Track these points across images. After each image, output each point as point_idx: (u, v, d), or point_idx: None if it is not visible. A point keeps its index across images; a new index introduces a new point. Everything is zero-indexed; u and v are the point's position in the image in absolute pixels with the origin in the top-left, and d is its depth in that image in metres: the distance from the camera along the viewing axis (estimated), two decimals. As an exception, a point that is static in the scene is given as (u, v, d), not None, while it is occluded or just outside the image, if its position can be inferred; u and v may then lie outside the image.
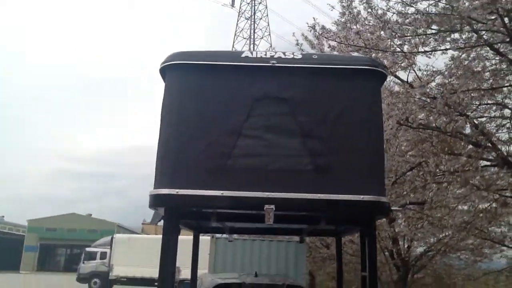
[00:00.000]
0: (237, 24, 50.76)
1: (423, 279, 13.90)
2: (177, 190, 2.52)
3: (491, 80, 6.52)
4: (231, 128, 2.63)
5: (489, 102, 7.55)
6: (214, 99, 2.70)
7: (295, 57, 2.78)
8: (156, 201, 2.59)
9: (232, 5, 51.83)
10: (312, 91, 2.71)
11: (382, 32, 5.79)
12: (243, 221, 3.08)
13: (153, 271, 16.42)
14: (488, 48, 6.25)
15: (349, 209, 2.56)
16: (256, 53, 2.78)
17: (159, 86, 2.84)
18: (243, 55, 2.77)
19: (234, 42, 49.15)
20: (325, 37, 6.38)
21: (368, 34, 5.77)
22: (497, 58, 6.66)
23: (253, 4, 51.05)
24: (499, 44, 5.97)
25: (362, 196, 2.51)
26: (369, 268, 2.71)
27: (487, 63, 6.78)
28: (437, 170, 6.42)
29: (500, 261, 11.92)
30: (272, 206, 2.48)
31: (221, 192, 2.51)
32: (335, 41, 6.15)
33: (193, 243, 3.95)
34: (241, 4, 51.56)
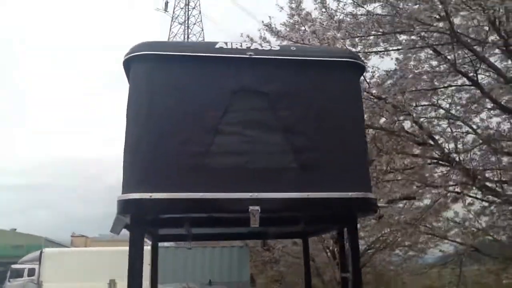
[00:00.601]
0: (170, 29, 49.89)
1: (364, 277, 14.31)
2: (150, 194, 2.25)
3: (434, 81, 6.79)
4: (206, 125, 2.41)
5: (426, 103, 7.89)
6: (187, 94, 2.46)
7: (272, 48, 2.62)
8: (126, 207, 2.30)
9: (165, 9, 50.88)
10: (292, 84, 2.55)
11: (336, 32, 5.82)
12: (212, 226, 2.86)
13: (89, 286, 15.48)
14: (430, 51, 6.50)
15: (337, 207, 2.43)
16: (231, 44, 2.58)
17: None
18: (217, 46, 2.55)
19: (167, 47, 48.15)
20: (281, 37, 6.31)
21: (324, 34, 5.78)
22: (437, 61, 6.96)
23: (187, 10, 50.48)
24: (441, 46, 6.21)
25: (350, 193, 2.39)
26: (352, 268, 2.59)
27: (427, 65, 7.08)
28: (388, 168, 6.56)
29: (435, 254, 12.55)
30: (258, 208, 2.29)
31: (201, 194, 2.28)
32: (291, 40, 6.10)
33: (152, 254, 3.64)
34: (174, 9, 50.77)
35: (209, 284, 5.51)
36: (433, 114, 8.19)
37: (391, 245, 12.18)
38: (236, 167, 2.38)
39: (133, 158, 2.36)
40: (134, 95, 2.47)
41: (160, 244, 3.74)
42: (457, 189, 6.80)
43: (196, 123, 2.41)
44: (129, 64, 2.52)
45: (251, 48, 2.56)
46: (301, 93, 2.55)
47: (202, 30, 49.98)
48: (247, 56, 2.52)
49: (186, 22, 50.49)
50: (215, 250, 15.36)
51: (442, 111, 7.93)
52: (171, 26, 50.13)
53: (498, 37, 5.82)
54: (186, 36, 49.23)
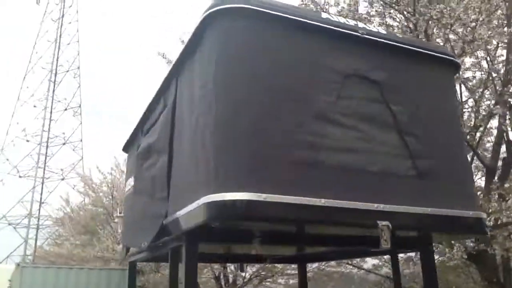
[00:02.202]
0: (41, 24, 45.17)
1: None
2: (264, 195, 1.60)
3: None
4: (317, 110, 1.85)
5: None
6: (292, 69, 1.87)
7: (380, 31, 2.18)
8: (225, 210, 1.60)
9: (37, 2, 46.01)
10: (401, 75, 2.14)
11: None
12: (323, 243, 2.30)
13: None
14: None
15: (459, 227, 2.03)
16: (338, 18, 2.07)
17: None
18: (323, 16, 2.03)
19: (35, 44, 43.46)
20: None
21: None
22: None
23: (63, 6, 46.37)
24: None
25: (470, 212, 2.03)
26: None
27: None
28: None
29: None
30: (387, 223, 1.79)
31: (323, 200, 1.70)
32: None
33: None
34: (48, 3, 46.22)
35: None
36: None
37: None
38: (355, 169, 1.85)
39: (226, 147, 1.68)
40: (221, 63, 1.79)
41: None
42: None
43: (304, 107, 1.83)
44: (212, 21, 1.84)
45: (359, 26, 2.09)
46: (409, 86, 2.14)
47: (78, 31, 46.28)
48: (359, 34, 2.04)
49: (61, 19, 46.32)
50: (92, 272, 13.71)
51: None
52: (42, 21, 45.46)
53: None
54: (59, 35, 45.04)
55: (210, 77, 1.79)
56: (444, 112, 2.22)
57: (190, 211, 1.72)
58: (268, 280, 12.46)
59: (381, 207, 1.81)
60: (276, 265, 10.01)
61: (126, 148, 3.50)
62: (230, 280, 12.19)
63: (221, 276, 12.04)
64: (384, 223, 1.77)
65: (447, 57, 2.32)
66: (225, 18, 1.82)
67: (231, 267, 10.67)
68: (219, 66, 1.78)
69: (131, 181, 3.11)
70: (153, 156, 2.38)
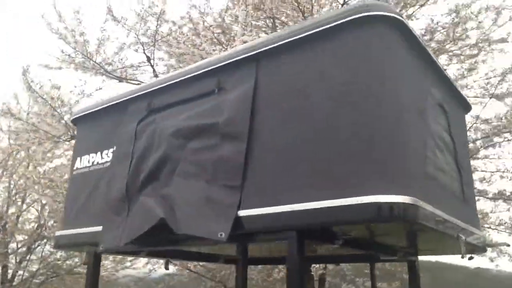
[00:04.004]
0: None
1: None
2: (421, 202, 1.64)
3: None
4: (432, 132, 2.01)
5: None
6: (415, 90, 1.97)
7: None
8: (391, 212, 1.57)
9: None
10: (453, 107, 2.43)
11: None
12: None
13: None
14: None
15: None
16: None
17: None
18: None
19: None
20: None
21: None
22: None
23: None
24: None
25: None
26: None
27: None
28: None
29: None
30: (464, 238, 2.01)
31: (439, 212, 1.82)
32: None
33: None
34: None
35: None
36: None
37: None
38: (443, 185, 2.04)
39: (390, 149, 1.67)
40: (374, 69, 1.77)
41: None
42: None
43: (425, 127, 1.97)
44: (370, 23, 1.80)
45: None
46: (455, 118, 2.44)
47: None
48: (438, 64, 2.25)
49: None
50: None
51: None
52: None
53: None
54: None
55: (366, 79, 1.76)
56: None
57: (340, 206, 1.63)
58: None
59: (460, 223, 2.04)
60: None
61: (87, 118, 2.99)
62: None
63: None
64: (462, 237, 1.99)
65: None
66: (381, 25, 1.81)
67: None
68: (358, 72, 1.79)
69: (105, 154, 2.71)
70: (209, 138, 2.12)
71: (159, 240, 2.20)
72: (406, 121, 1.77)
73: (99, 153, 2.78)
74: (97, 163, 2.77)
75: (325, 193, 1.68)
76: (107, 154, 2.73)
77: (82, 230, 2.66)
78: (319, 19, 1.94)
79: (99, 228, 2.51)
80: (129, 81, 7.42)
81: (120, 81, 7.56)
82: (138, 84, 7.37)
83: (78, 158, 2.92)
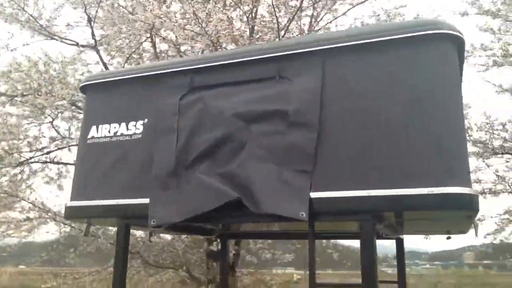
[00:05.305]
0: None
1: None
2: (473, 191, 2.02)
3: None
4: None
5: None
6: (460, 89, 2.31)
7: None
8: (465, 203, 1.94)
9: None
10: None
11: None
12: None
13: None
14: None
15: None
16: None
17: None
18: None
19: None
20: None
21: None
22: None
23: None
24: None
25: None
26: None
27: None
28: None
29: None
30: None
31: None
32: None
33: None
34: None
35: None
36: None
37: None
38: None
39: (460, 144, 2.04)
40: (441, 79, 2.10)
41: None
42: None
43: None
44: (438, 39, 2.12)
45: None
46: None
47: None
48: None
49: None
50: None
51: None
52: None
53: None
54: None
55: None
56: None
57: (420, 195, 1.93)
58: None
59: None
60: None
61: (100, 86, 2.90)
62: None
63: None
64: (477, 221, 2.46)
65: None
66: (449, 42, 2.15)
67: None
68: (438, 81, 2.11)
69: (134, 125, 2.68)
70: (276, 124, 2.27)
71: (231, 217, 2.32)
72: (463, 124, 2.14)
73: (123, 124, 2.72)
74: (121, 134, 2.72)
75: (397, 183, 1.97)
76: (134, 125, 2.69)
77: (106, 202, 2.61)
78: (391, 28, 2.22)
79: (131, 200, 2.50)
80: (63, 40, 6.89)
81: (51, 38, 6.98)
82: (73, 44, 6.91)
83: (94, 127, 2.81)
